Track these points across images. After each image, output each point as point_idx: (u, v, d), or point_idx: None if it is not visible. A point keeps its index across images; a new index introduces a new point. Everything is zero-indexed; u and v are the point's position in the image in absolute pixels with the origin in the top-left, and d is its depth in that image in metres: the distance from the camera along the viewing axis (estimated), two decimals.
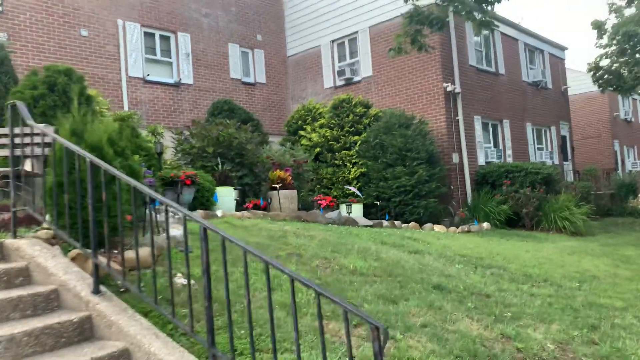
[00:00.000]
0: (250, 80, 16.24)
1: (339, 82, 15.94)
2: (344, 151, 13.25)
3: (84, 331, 3.15)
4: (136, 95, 13.54)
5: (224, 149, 9.33)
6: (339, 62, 16.15)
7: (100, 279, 3.83)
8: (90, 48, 12.80)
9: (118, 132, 5.21)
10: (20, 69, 11.28)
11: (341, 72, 15.76)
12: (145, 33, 13.99)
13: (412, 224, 11.58)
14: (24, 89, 6.92)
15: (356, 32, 15.61)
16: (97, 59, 12.89)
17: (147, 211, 5.28)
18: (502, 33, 16.41)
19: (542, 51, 19.12)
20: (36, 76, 6.96)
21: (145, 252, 4.31)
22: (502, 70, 16.46)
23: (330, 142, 13.43)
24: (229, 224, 6.72)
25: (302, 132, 14.11)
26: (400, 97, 14.56)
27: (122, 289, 3.82)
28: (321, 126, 13.80)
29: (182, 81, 14.47)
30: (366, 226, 10.05)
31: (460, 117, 14.01)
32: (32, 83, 6.89)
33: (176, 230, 5.20)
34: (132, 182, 3.51)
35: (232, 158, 9.25)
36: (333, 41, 16.23)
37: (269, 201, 9.39)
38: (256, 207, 9.47)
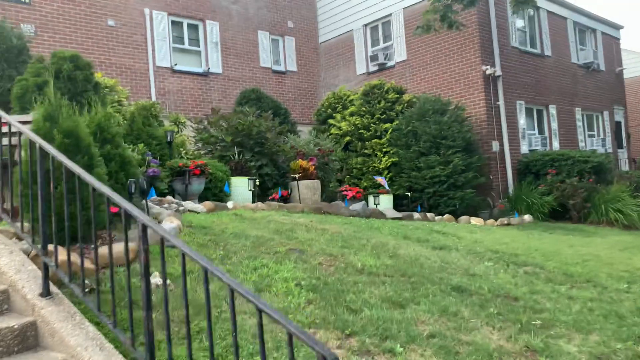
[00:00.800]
0: (281, 68, 15.80)
1: (372, 68, 15.26)
2: (375, 140, 12.62)
3: (27, 339, 2.78)
4: (164, 85, 13.36)
5: (243, 137, 8.93)
6: (372, 46, 15.46)
7: (72, 277, 3.47)
8: (117, 38, 12.68)
9: (107, 119, 4.86)
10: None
11: (374, 57, 15.08)
12: (173, 22, 13.77)
13: (446, 216, 10.87)
14: (28, 76, 6.71)
15: (390, 15, 14.87)
16: (124, 49, 12.76)
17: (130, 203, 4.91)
18: (548, 11, 15.27)
19: (594, 30, 17.74)
20: (41, 63, 6.74)
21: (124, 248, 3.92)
22: (548, 52, 15.31)
23: (360, 131, 12.83)
24: (237, 216, 6.30)
25: (331, 121, 13.57)
26: (436, 82, 13.76)
27: (86, 290, 3.44)
28: (351, 114, 13.21)
29: (211, 70, 14.19)
30: (394, 219, 9.45)
31: (501, 102, 13.09)
32: (37, 70, 6.67)
33: (168, 224, 4.81)
34: (87, 177, 3.08)
35: (251, 147, 8.84)
36: (366, 25, 15.55)
37: (290, 192, 8.94)
38: (279, 198, 9.05)
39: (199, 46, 14.19)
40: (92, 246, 4.10)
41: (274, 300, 3.68)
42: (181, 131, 10.47)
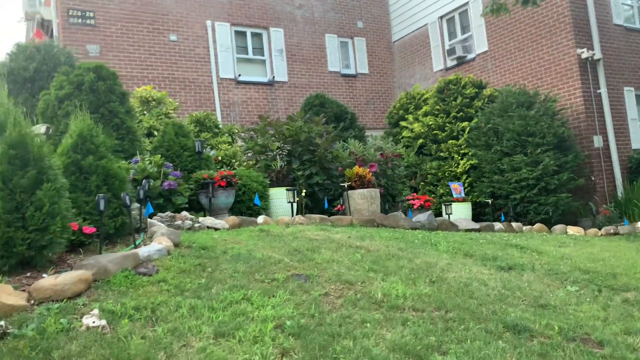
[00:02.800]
0: (351, 71, 14.93)
1: (450, 63, 13.87)
2: (451, 141, 11.26)
3: None
4: (228, 97, 13.06)
5: (291, 144, 8.15)
6: (449, 40, 14.08)
7: None
8: (179, 52, 12.60)
9: (90, 128, 4.27)
10: None
11: (451, 51, 13.70)
12: (236, 32, 13.47)
13: (537, 226, 9.26)
14: (53, 89, 6.46)
15: (467, 4, 13.44)
16: (186, 62, 12.65)
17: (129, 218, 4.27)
18: None
19: None
20: (64, 76, 6.46)
21: (72, 277, 3.24)
22: None
23: (435, 132, 11.53)
24: (261, 233, 5.48)
25: (403, 123, 12.40)
26: (522, 72, 12.09)
27: (8, 330, 2.75)
28: (424, 114, 11.96)
29: (276, 79, 13.69)
30: (468, 230, 8.11)
31: (603, 90, 11.13)
32: (60, 83, 6.40)
33: (155, 245, 4.10)
34: None
35: (299, 155, 8.03)
36: (441, 17, 14.21)
37: (341, 202, 7.98)
38: (335, 211, 8.14)
39: (263, 55, 13.76)
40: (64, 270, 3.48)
41: (234, 350, 2.77)
42: (235, 142, 9.96)
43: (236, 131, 9.87)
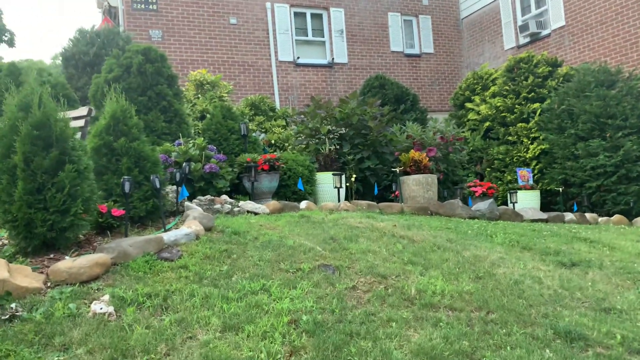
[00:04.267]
0: (415, 51, 14.30)
1: (523, 40, 12.92)
2: (520, 124, 10.46)
3: None
4: (287, 80, 12.92)
5: (343, 127, 7.85)
6: (522, 15, 13.09)
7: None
8: (239, 36, 12.58)
9: (123, 110, 4.22)
10: (174, 64, 11.53)
11: (524, 27, 12.72)
12: (295, 13, 13.26)
13: (615, 217, 8.40)
14: (103, 72, 6.55)
15: None
16: (246, 45, 12.62)
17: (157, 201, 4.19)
18: None
19: None
20: (114, 59, 6.52)
21: (88, 261, 3.17)
22: None
23: (503, 114, 10.77)
24: (302, 218, 5.25)
25: (469, 105, 11.70)
26: (604, 48, 11.00)
27: (5, 317, 2.71)
28: (492, 95, 11.19)
29: (336, 61, 13.38)
30: (534, 221, 7.48)
31: None
32: (109, 66, 6.46)
33: (183, 229, 3.98)
34: None
35: (350, 138, 7.71)
36: None
37: (393, 188, 7.59)
38: (383, 197, 7.80)
39: (323, 36, 13.47)
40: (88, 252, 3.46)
41: (239, 345, 2.56)
42: (289, 125, 9.80)
43: (290, 114, 9.69)
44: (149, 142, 4.42)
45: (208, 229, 4.34)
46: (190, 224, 4.11)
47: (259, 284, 3.25)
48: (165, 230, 4.14)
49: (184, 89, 9.16)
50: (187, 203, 5.03)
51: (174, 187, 4.95)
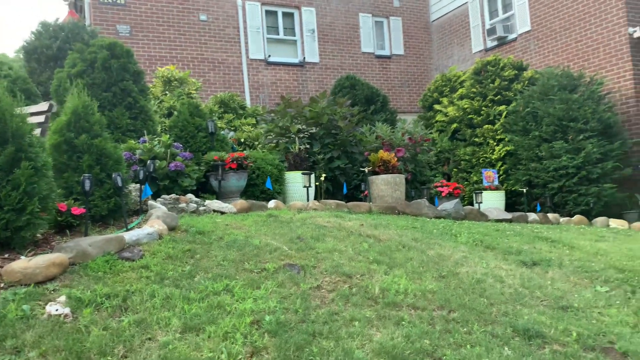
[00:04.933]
0: (385, 52, 14.41)
1: (490, 44, 13.16)
2: (486, 125, 10.66)
3: None
4: (257, 79, 12.85)
5: (313, 126, 7.85)
6: (490, 19, 13.33)
7: None
8: (209, 32, 12.44)
9: (85, 106, 4.11)
10: (142, 60, 11.34)
11: (492, 31, 12.96)
12: (267, 11, 13.19)
13: (576, 217, 8.65)
14: (66, 67, 6.38)
15: None
16: (216, 43, 12.48)
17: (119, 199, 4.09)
18: None
19: None
20: (78, 54, 6.36)
21: (45, 260, 3.07)
22: None
23: (470, 116, 10.95)
24: (269, 218, 5.23)
25: (437, 106, 11.85)
26: (568, 54, 11.30)
27: None
28: (460, 97, 11.37)
29: (307, 60, 13.37)
30: (498, 221, 7.63)
31: None
32: (73, 60, 6.30)
33: (146, 229, 3.91)
34: None
35: (320, 138, 7.72)
36: None
37: (363, 188, 7.64)
38: (352, 197, 7.83)
39: (294, 35, 13.44)
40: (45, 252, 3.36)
41: (199, 347, 2.53)
42: (259, 124, 9.74)
43: (260, 112, 9.64)
44: (112, 139, 4.33)
45: (172, 229, 4.27)
46: (153, 223, 4.04)
47: (222, 284, 3.21)
48: (128, 230, 4.06)
49: (151, 86, 9.00)
50: (151, 202, 4.94)
51: (138, 185, 4.86)
